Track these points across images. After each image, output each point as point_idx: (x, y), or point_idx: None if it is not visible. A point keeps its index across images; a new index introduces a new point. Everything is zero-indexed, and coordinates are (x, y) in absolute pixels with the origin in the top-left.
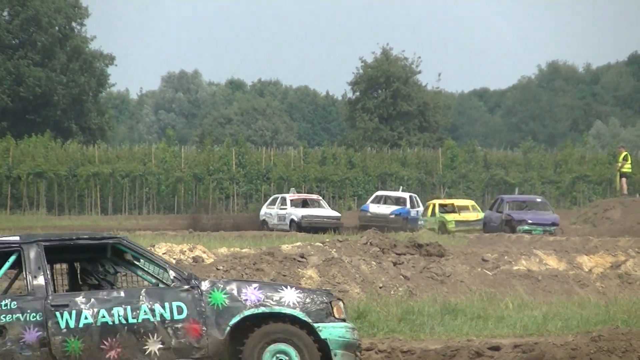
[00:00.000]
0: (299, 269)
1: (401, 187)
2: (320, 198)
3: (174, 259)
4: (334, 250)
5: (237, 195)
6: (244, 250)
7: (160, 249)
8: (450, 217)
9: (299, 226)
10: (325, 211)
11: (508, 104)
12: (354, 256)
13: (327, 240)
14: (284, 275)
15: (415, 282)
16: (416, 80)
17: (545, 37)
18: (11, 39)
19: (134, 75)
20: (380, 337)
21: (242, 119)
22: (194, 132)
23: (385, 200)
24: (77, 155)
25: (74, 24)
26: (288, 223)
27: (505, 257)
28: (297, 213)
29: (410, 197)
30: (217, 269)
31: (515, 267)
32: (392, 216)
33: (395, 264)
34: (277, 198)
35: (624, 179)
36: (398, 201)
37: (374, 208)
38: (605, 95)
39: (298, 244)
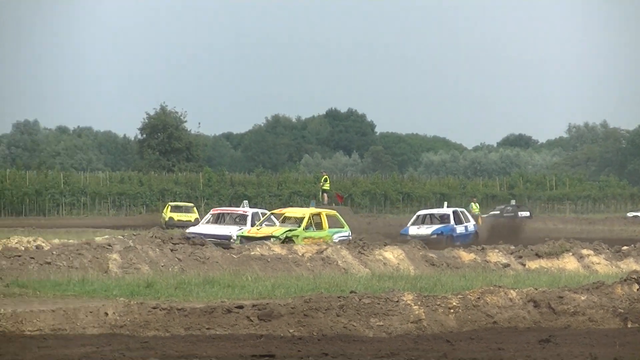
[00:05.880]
0: (107, 254)
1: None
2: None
3: (23, 247)
4: (131, 241)
5: (64, 204)
6: (70, 241)
7: (13, 240)
8: None
9: None
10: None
11: (246, 143)
12: (144, 245)
13: (126, 234)
14: (97, 258)
15: (185, 263)
16: (184, 126)
17: (271, 95)
18: None
19: None
20: (162, 300)
21: (66, 153)
22: (34, 162)
23: (424, 219)
24: None
25: None
26: None
27: (246, 246)
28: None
29: (455, 212)
30: (52, 254)
31: (253, 253)
32: (434, 236)
33: (172, 250)
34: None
35: (325, 194)
36: (442, 219)
37: (414, 230)
38: (311, 137)
39: (106, 236)
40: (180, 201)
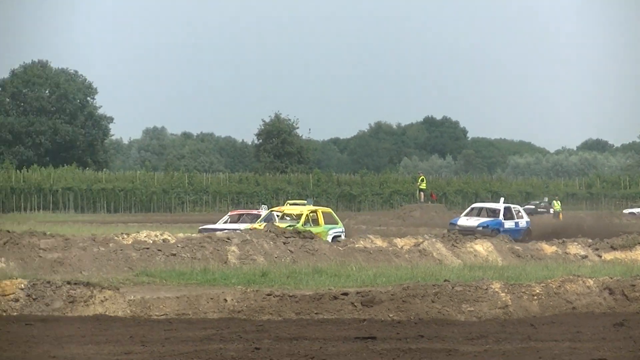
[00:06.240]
0: (227, 246)
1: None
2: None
3: (151, 240)
4: (248, 235)
5: (188, 202)
6: (193, 235)
7: (143, 234)
8: None
9: None
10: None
11: (351, 147)
12: (259, 239)
13: (243, 228)
14: (217, 250)
15: (296, 254)
16: (296, 132)
17: (373, 104)
18: (50, 107)
19: (126, 128)
20: (276, 287)
21: (190, 156)
22: (161, 164)
23: (479, 212)
24: (91, 177)
25: (88, 98)
26: None
27: (350, 239)
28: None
29: (507, 208)
30: (177, 246)
31: (357, 245)
32: (480, 228)
33: (284, 243)
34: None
35: (421, 193)
36: (493, 213)
37: (463, 221)
38: (410, 142)
39: (226, 230)
40: (292, 199)
